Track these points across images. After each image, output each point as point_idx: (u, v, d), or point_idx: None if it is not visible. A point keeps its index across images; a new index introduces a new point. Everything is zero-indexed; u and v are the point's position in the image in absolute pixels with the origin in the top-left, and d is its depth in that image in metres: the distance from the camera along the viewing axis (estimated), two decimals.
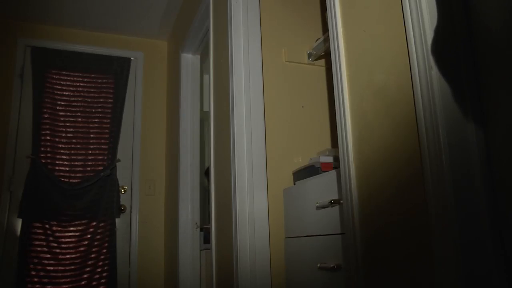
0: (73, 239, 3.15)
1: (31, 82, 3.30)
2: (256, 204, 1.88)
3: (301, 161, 2.01)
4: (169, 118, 3.60)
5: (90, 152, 3.36)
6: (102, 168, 3.33)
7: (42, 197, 3.13)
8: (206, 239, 2.95)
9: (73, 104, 3.40)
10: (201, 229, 2.99)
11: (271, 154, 1.98)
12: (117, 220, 3.33)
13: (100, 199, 3.27)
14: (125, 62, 3.63)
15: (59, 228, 3.14)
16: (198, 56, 3.28)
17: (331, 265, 1.44)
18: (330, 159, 1.71)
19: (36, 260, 3.03)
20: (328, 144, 2.10)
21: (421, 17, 0.96)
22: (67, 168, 3.27)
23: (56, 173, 3.22)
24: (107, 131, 3.43)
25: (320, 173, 1.67)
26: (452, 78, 0.93)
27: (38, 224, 3.09)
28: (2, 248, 3.01)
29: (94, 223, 3.22)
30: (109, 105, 3.49)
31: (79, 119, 3.39)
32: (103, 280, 3.16)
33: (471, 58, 0.95)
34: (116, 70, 3.58)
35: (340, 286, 1.41)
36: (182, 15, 3.28)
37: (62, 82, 3.41)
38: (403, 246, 1.02)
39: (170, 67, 3.68)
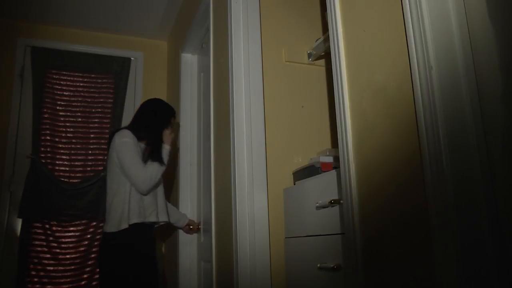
0: (73, 239, 3.15)
1: (31, 82, 3.30)
2: (256, 204, 1.88)
3: (301, 161, 2.01)
4: None
5: (90, 152, 3.36)
6: (102, 168, 3.33)
7: (42, 197, 3.12)
8: None
9: (73, 104, 3.40)
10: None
11: (271, 154, 1.98)
12: None
13: (100, 199, 3.27)
14: (125, 62, 3.63)
15: (59, 228, 3.14)
16: (198, 56, 3.28)
17: (331, 265, 1.44)
18: (330, 159, 1.71)
19: (36, 260, 3.02)
20: (328, 144, 2.10)
21: (421, 17, 0.96)
22: (67, 168, 3.27)
23: (56, 173, 3.21)
24: (107, 131, 3.42)
25: (320, 173, 1.67)
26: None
27: (38, 224, 3.09)
28: (2, 248, 3.01)
29: (94, 223, 3.22)
30: (109, 105, 3.49)
31: (79, 119, 3.39)
32: None
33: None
34: (116, 70, 3.58)
35: (340, 286, 1.41)
36: (182, 15, 3.28)
37: (62, 82, 3.41)
38: (403, 246, 1.02)
39: (170, 67, 3.68)
